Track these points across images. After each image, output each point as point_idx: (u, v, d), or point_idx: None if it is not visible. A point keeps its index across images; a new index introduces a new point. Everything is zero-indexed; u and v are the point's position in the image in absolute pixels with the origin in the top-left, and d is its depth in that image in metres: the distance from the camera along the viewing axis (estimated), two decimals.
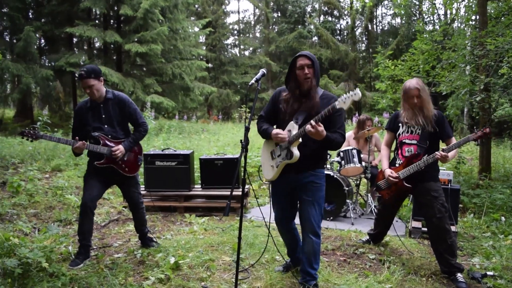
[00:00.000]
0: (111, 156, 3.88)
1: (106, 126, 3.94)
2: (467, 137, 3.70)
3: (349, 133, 6.39)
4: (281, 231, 3.61)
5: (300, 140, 3.10)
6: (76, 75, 3.94)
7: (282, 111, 3.27)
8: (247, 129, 3.02)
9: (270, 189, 3.55)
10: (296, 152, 3.11)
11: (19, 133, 3.86)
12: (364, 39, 29.35)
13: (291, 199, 3.45)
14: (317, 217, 3.25)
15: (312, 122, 2.92)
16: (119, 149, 3.89)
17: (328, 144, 3.13)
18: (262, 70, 3.24)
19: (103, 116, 3.93)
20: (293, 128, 3.14)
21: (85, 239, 3.93)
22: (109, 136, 3.94)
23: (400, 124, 3.96)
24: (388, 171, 3.94)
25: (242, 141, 2.98)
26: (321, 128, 2.92)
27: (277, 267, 3.78)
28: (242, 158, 3.03)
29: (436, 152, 3.63)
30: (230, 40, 31.37)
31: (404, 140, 3.92)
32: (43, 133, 3.86)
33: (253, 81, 3.15)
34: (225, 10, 29.64)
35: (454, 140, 3.82)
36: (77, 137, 3.80)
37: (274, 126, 3.40)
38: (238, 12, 35.62)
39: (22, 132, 3.80)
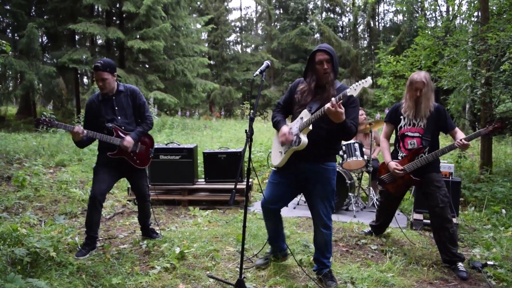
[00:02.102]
0: (122, 148, 3.93)
1: (119, 117, 3.98)
2: (478, 131, 3.76)
3: None
4: (268, 216, 3.57)
5: (311, 127, 3.12)
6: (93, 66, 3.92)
7: (297, 101, 3.31)
8: (251, 119, 3.06)
9: (272, 173, 3.53)
10: (304, 139, 3.12)
11: (35, 120, 3.86)
12: (366, 36, 29.28)
13: (294, 189, 3.50)
14: (327, 211, 3.31)
15: (333, 100, 2.88)
16: (128, 141, 3.92)
17: (343, 129, 3.07)
18: (267, 62, 3.27)
19: (116, 108, 3.99)
20: (305, 116, 3.16)
21: (92, 231, 3.98)
22: (122, 128, 3.98)
23: (401, 117, 3.99)
24: (393, 164, 3.94)
25: (247, 131, 3.01)
26: (341, 110, 2.88)
27: (258, 260, 3.71)
28: (247, 149, 3.07)
29: (457, 141, 3.65)
30: (232, 37, 31.47)
31: (406, 133, 3.94)
32: (58, 122, 3.85)
33: (257, 72, 3.18)
34: (227, 7, 29.71)
35: (458, 131, 3.85)
36: (80, 126, 3.81)
37: (288, 120, 3.45)
38: (240, 9, 35.85)
39: (38, 120, 3.80)
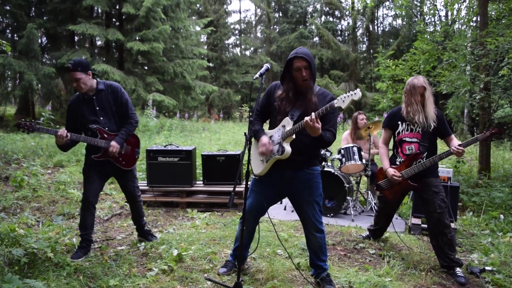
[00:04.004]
0: (109, 153, 3.85)
1: (101, 118, 3.87)
2: (475, 137, 3.77)
3: (348, 132, 6.44)
4: (249, 222, 3.42)
5: (294, 136, 3.10)
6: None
7: (277, 108, 3.24)
8: (251, 122, 3.05)
9: (253, 181, 3.43)
10: (288, 148, 3.09)
11: (15, 125, 3.79)
12: (365, 39, 29.40)
13: (278, 197, 3.49)
14: (318, 215, 3.30)
15: (313, 115, 2.88)
16: (114, 146, 3.82)
17: (319, 142, 3.11)
18: (266, 65, 3.22)
19: (97, 108, 3.85)
20: (287, 123, 3.13)
21: (86, 234, 3.96)
22: (106, 129, 3.88)
23: (399, 122, 3.98)
24: (391, 171, 3.95)
25: (246, 133, 3.01)
26: (318, 125, 2.89)
27: (221, 269, 3.58)
28: (246, 151, 3.06)
29: (453, 148, 3.65)
30: (231, 40, 31.56)
31: (404, 138, 3.95)
32: (40, 126, 3.77)
33: (257, 75, 3.13)
34: (226, 10, 29.75)
35: (454, 138, 3.87)
36: (64, 129, 3.71)
37: (266, 126, 3.41)
38: (240, 12, 35.61)
39: (18, 124, 3.72)
